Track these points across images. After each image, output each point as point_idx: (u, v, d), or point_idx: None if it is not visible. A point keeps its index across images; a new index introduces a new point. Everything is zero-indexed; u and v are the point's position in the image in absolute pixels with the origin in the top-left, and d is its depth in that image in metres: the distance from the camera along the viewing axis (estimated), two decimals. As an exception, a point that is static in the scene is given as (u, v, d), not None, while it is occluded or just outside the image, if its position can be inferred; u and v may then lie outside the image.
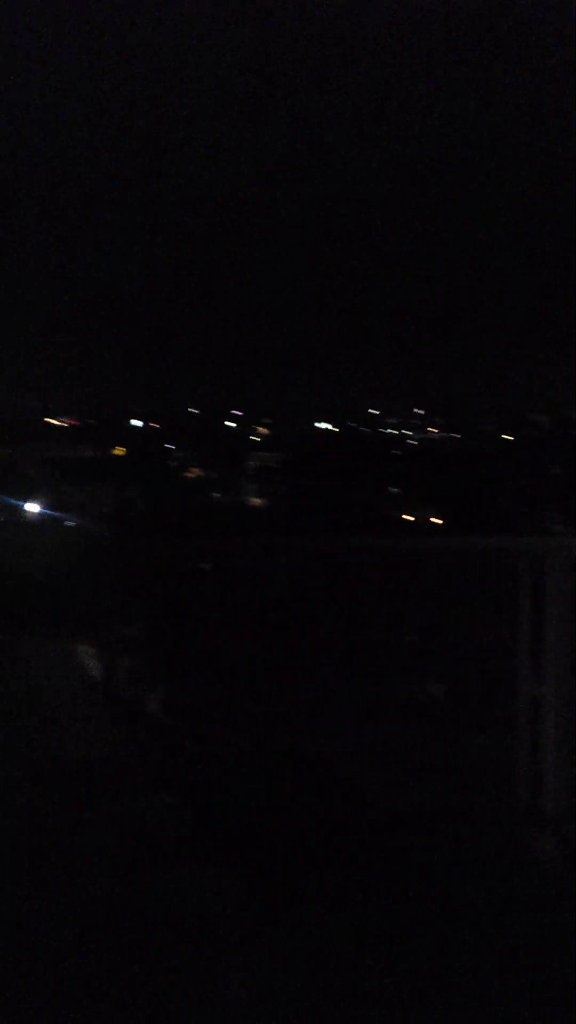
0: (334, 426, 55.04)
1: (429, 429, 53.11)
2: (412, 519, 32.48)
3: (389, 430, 55.57)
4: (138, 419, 53.07)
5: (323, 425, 55.36)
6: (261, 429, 54.71)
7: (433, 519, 30.82)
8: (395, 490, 36.95)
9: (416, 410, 54.99)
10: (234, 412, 56.10)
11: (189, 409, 57.43)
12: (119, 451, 47.88)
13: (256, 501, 43.32)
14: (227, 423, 56.43)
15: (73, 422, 51.80)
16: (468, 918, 3.38)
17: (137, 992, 2.83)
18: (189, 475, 46.49)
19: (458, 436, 49.86)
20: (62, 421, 51.45)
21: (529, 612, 4.34)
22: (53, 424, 50.30)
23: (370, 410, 58.59)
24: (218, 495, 43.01)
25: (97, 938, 2.89)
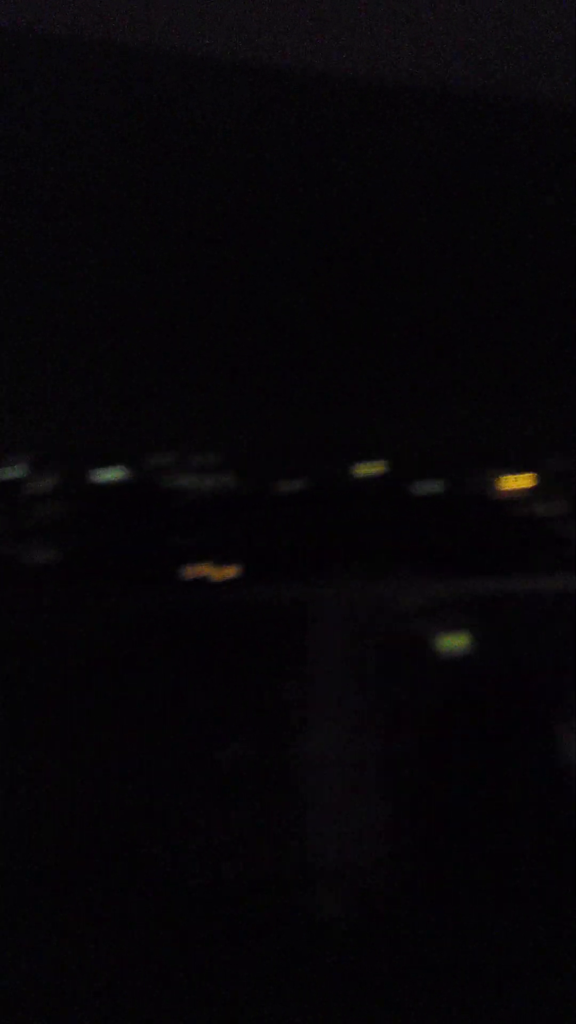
0: (119, 475, 54.44)
1: (219, 478, 53.70)
2: (206, 571, 32.23)
3: (176, 480, 55.64)
4: None
5: (108, 474, 54.62)
6: (42, 480, 53.20)
7: (226, 570, 30.77)
8: (185, 541, 36.85)
9: (201, 457, 55.50)
10: (10, 457, 54.21)
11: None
12: None
13: (40, 556, 41.80)
14: (5, 472, 54.45)
15: None
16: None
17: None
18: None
19: (244, 484, 50.75)
20: None
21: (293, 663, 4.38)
22: None
23: (154, 458, 58.49)
24: (-2, 548, 41.22)
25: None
